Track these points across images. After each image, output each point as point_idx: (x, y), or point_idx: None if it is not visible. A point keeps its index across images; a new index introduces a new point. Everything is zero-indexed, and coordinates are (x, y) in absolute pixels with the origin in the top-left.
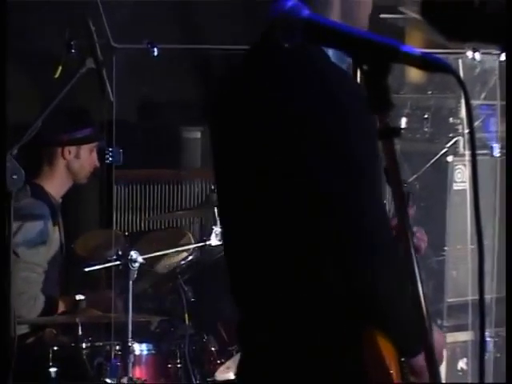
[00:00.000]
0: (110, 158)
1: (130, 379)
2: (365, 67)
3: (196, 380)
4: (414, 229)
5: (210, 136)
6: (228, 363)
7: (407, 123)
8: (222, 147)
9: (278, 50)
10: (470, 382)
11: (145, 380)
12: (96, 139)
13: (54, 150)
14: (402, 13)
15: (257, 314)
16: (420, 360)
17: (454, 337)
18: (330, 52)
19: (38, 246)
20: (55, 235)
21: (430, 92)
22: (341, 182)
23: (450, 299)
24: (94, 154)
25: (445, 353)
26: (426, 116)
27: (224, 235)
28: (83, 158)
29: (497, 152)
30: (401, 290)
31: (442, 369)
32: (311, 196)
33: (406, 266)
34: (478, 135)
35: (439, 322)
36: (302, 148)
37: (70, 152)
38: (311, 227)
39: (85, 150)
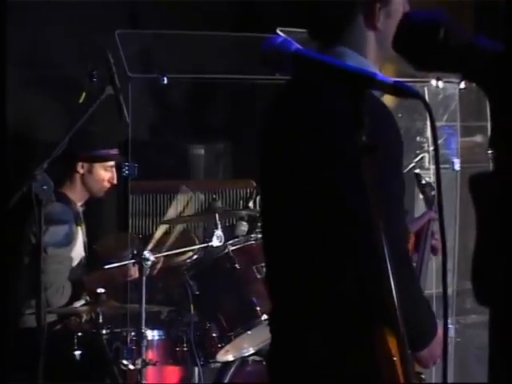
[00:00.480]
0: (127, 172)
1: (144, 361)
2: (346, 93)
3: (200, 361)
4: (434, 229)
5: (260, 153)
6: (227, 347)
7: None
8: (269, 162)
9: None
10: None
11: (156, 361)
12: (109, 159)
13: (72, 164)
14: None
15: (285, 307)
16: (425, 352)
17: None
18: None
19: (64, 243)
20: (78, 235)
21: (400, 115)
22: (336, 208)
23: None
24: (110, 173)
25: None
26: None
27: (263, 239)
28: (96, 174)
29: (457, 166)
30: (418, 291)
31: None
32: (337, 209)
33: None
34: (441, 152)
35: None
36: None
37: (82, 167)
38: (338, 236)
39: (98, 167)
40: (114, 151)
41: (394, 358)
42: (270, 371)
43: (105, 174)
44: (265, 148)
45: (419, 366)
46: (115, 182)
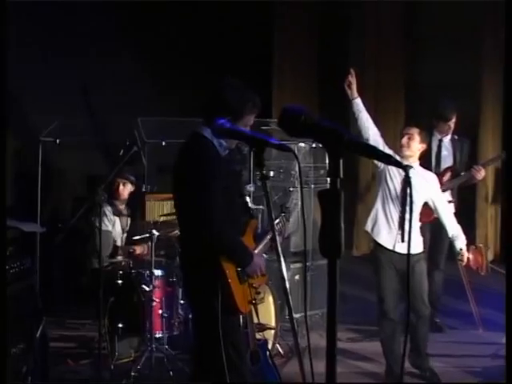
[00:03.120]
0: (144, 189)
1: (153, 286)
2: (254, 149)
3: (181, 286)
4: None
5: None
6: None
7: (273, 174)
8: (173, 184)
9: (192, 140)
10: (302, 286)
11: (159, 286)
12: (128, 180)
13: (115, 185)
14: (269, 125)
15: (182, 252)
16: (248, 269)
17: (295, 265)
18: (216, 141)
19: (109, 225)
20: (117, 221)
21: (282, 160)
22: (197, 198)
23: (293, 249)
24: (123, 191)
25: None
26: (281, 170)
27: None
28: (119, 190)
29: (312, 186)
30: (232, 239)
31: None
32: (189, 204)
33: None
34: (303, 179)
35: (288, 259)
36: (187, 185)
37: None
38: (190, 215)
39: (121, 185)
40: (132, 177)
41: (229, 280)
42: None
43: (119, 191)
44: (173, 175)
45: (250, 278)
46: (125, 194)
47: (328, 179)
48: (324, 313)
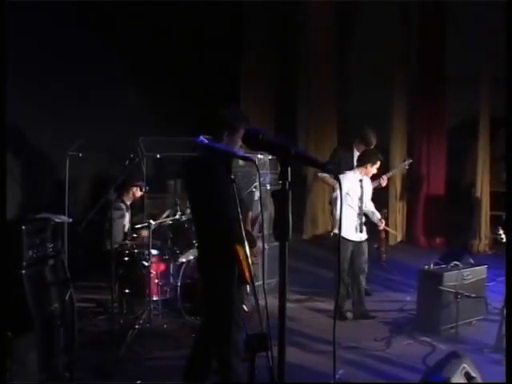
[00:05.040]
0: (144, 190)
1: (151, 262)
2: (225, 160)
3: (173, 261)
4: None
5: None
6: (183, 256)
7: (240, 178)
8: (187, 192)
9: (200, 157)
10: (261, 261)
11: (155, 262)
12: (138, 185)
13: (127, 188)
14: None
15: (199, 247)
16: (253, 249)
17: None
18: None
19: (121, 218)
20: (127, 215)
21: (247, 167)
22: (209, 204)
23: (255, 234)
24: (135, 193)
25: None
26: (245, 176)
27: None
28: (131, 191)
29: (268, 187)
30: (232, 231)
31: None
32: (202, 208)
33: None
34: (262, 182)
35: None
36: (199, 193)
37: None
38: (204, 217)
39: (133, 188)
40: (140, 182)
41: (241, 258)
42: (199, 273)
43: (133, 193)
44: (185, 183)
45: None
46: (138, 195)
47: (280, 182)
48: (277, 281)
